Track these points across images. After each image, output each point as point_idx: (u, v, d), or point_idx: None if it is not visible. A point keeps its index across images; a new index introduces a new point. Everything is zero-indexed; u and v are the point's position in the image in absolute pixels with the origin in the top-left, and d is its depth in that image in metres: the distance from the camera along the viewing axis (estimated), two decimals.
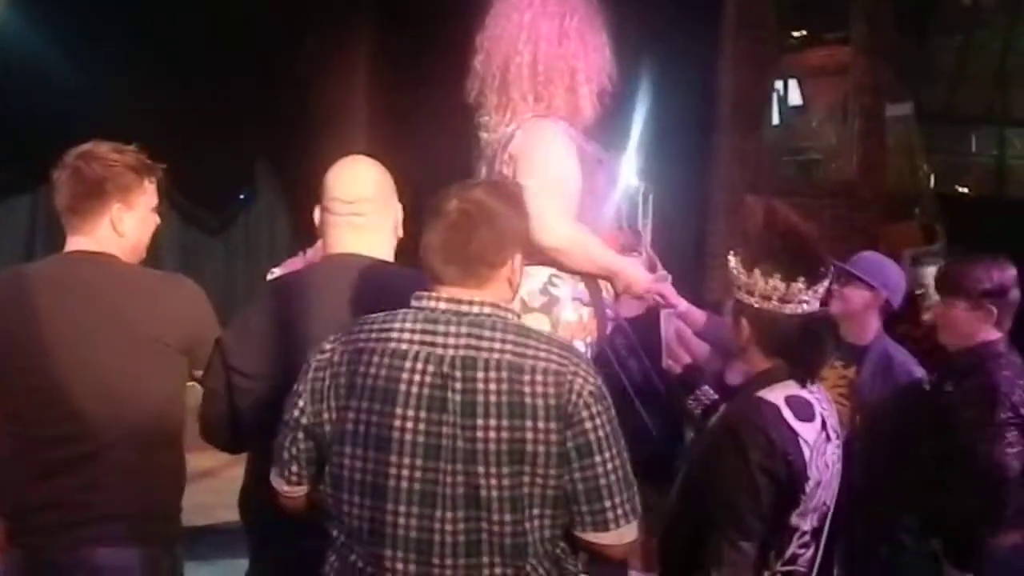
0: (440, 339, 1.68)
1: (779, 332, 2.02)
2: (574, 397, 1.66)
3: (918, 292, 4.90)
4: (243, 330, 2.17)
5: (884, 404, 3.02)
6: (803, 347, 2.03)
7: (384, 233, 2.20)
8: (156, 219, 2.32)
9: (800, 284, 1.99)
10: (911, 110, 8.18)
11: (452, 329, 1.69)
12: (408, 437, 1.66)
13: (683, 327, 2.95)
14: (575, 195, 2.37)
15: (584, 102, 2.45)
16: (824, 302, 2.06)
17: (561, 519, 1.70)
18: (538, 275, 2.38)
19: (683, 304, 2.67)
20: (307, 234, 2.34)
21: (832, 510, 2.08)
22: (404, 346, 1.69)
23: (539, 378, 1.65)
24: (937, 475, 2.79)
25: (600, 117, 2.52)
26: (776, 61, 7.88)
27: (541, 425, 1.64)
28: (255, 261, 7.25)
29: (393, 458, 1.67)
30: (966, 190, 9.50)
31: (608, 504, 1.68)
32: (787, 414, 1.98)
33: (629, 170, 5.72)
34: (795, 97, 9.25)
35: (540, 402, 1.65)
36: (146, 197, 2.27)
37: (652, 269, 2.80)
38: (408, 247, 1.96)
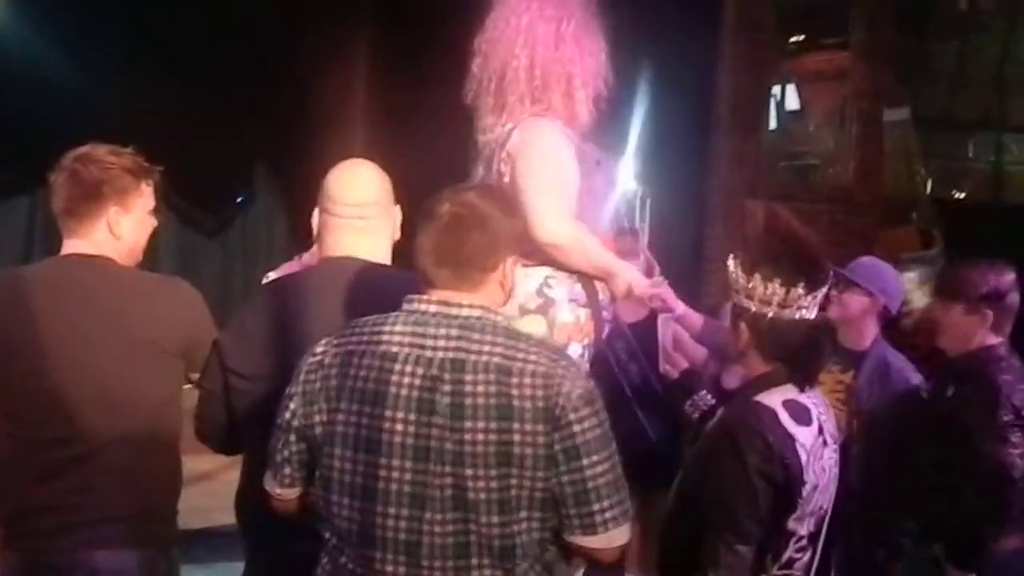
0: (430, 341, 1.69)
1: (778, 337, 2.02)
2: (562, 400, 1.66)
3: None
4: (240, 332, 2.17)
5: (881, 410, 3.03)
6: (801, 352, 2.03)
7: (384, 236, 2.20)
8: (153, 222, 2.32)
9: (800, 290, 1.99)
10: (909, 115, 8.19)
11: (442, 332, 1.69)
12: (398, 439, 1.67)
13: (680, 331, 2.96)
14: (574, 194, 2.37)
15: (580, 107, 2.46)
16: (822, 307, 2.06)
17: (550, 522, 1.70)
18: (534, 276, 2.38)
19: (681, 307, 2.68)
20: (305, 236, 2.34)
21: (829, 515, 2.08)
22: (394, 348, 1.70)
23: (527, 380, 1.66)
24: (936, 480, 2.78)
25: (598, 120, 2.52)
26: (774, 65, 7.90)
27: (528, 427, 1.64)
28: (253, 263, 7.25)
29: (383, 460, 1.67)
30: (963, 195, 9.51)
31: (596, 507, 1.68)
32: (784, 418, 1.98)
33: (627, 173, 5.73)
34: (793, 101, 9.28)
35: (528, 404, 1.65)
36: (143, 200, 2.26)
37: (649, 272, 2.81)
38: (406, 249, 1.96)
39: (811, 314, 2.02)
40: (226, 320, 2.24)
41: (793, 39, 8.52)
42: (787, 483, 1.95)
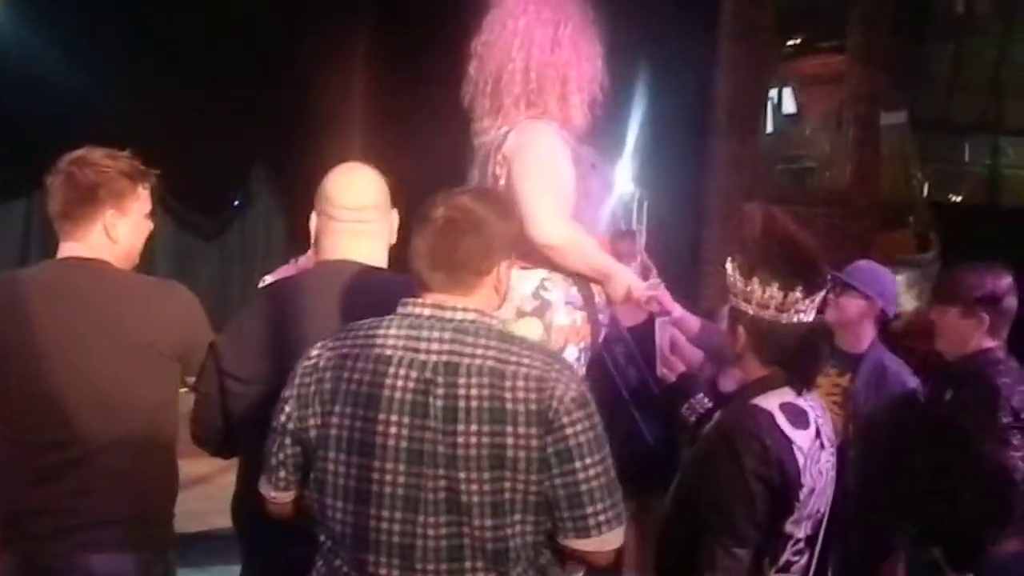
0: (424, 345, 1.69)
1: (775, 340, 2.03)
2: (555, 403, 1.66)
3: None
4: (237, 335, 2.17)
5: (878, 413, 3.03)
6: (799, 356, 2.03)
7: (382, 240, 2.21)
8: (149, 225, 2.32)
9: (798, 294, 1.99)
10: (905, 119, 8.21)
11: (436, 335, 1.70)
12: (391, 442, 1.67)
13: (677, 334, 2.96)
14: (570, 195, 2.37)
15: (575, 111, 2.46)
16: (820, 310, 2.06)
17: (544, 525, 1.70)
18: (530, 279, 2.38)
19: (677, 310, 2.67)
20: (302, 240, 2.34)
21: (826, 518, 2.08)
22: (388, 352, 1.70)
23: (520, 383, 1.66)
24: (935, 484, 2.78)
25: (595, 122, 2.52)
26: (772, 68, 7.91)
27: (521, 430, 1.64)
28: (250, 267, 7.24)
29: (376, 463, 1.67)
30: (960, 199, 9.53)
31: (590, 510, 1.68)
32: (781, 421, 1.98)
33: (624, 175, 5.74)
34: (790, 105, 9.29)
35: (521, 407, 1.65)
36: (139, 203, 2.26)
37: (646, 275, 2.81)
38: (403, 253, 1.96)
39: (809, 318, 2.02)
40: (223, 323, 2.24)
41: (790, 42, 8.54)
42: (784, 486, 1.95)
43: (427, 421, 1.66)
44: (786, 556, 2.00)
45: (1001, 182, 9.39)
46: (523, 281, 2.35)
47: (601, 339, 2.55)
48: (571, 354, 2.37)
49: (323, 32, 6.39)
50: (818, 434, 2.03)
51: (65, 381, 2.12)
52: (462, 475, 1.64)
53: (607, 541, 1.71)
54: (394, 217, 2.23)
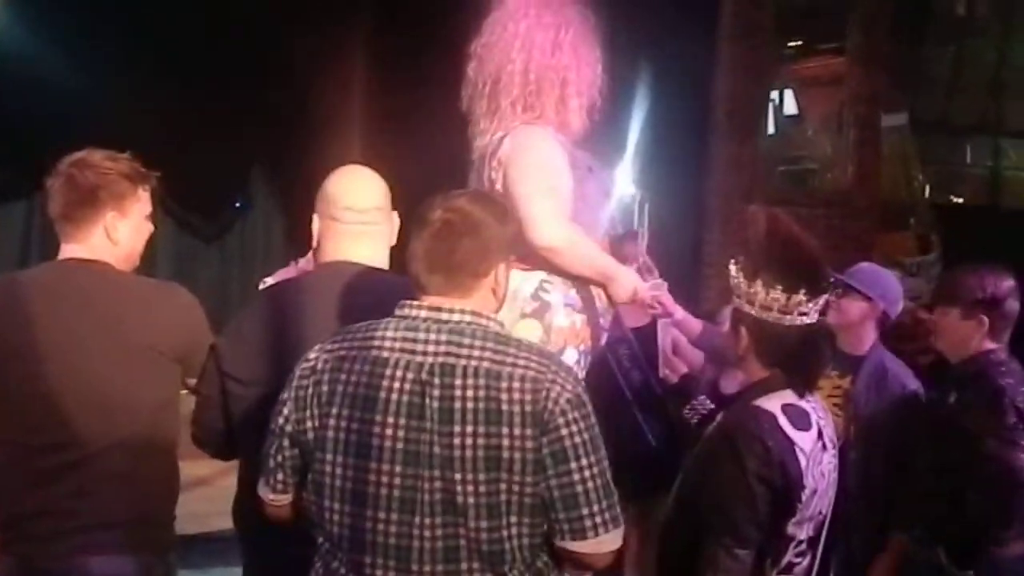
0: (420, 347, 1.69)
1: (778, 342, 2.02)
2: (550, 404, 1.66)
3: None
4: (238, 337, 2.17)
5: (879, 414, 3.02)
6: (801, 357, 2.03)
7: (384, 241, 2.21)
8: (150, 227, 2.32)
9: (801, 296, 1.99)
10: (906, 120, 8.21)
11: (432, 337, 1.70)
12: (388, 444, 1.67)
13: (679, 336, 2.96)
14: (568, 198, 2.37)
15: (573, 115, 2.45)
16: (822, 312, 2.06)
17: (540, 527, 1.70)
18: (530, 280, 2.37)
19: (680, 312, 2.67)
20: (302, 241, 2.34)
21: (828, 519, 2.07)
22: (385, 354, 1.70)
23: (516, 385, 1.66)
24: (938, 485, 2.78)
25: (596, 124, 2.51)
26: (772, 70, 7.91)
27: (517, 432, 1.64)
28: (250, 269, 7.24)
29: (373, 465, 1.68)
30: (961, 200, 9.53)
31: (585, 512, 1.68)
32: (784, 423, 1.98)
33: (625, 177, 5.73)
34: (791, 106, 9.30)
35: (516, 408, 1.65)
36: (140, 205, 2.26)
37: (648, 277, 2.80)
38: (403, 255, 1.96)
39: (812, 320, 2.02)
40: (223, 325, 2.24)
41: (791, 44, 8.54)
42: (786, 487, 1.95)
43: (423, 423, 1.66)
44: (788, 557, 1.99)
45: (1002, 183, 9.40)
46: (523, 282, 2.35)
47: (604, 341, 2.55)
48: (571, 356, 2.37)
49: (323, 32, 6.39)
50: (820, 435, 2.03)
51: (65, 383, 2.11)
52: (458, 476, 1.64)
53: (603, 543, 1.71)
54: (395, 219, 2.23)
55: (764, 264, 2.02)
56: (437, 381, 1.66)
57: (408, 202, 2.19)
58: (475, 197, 1.86)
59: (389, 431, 1.67)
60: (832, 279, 2.14)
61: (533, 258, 2.32)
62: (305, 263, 2.45)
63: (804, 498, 1.97)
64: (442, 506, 1.65)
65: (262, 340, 2.12)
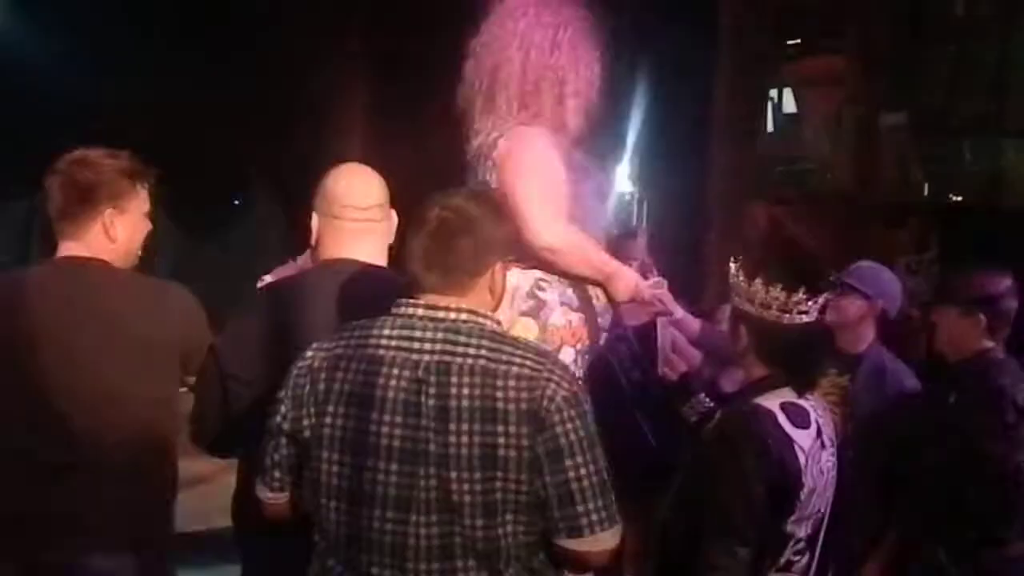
0: (416, 345, 1.70)
1: (777, 341, 2.03)
2: (546, 402, 1.66)
3: None
4: (237, 335, 2.17)
5: (876, 413, 3.03)
6: (800, 356, 2.04)
7: (384, 239, 2.22)
8: (148, 224, 2.32)
9: (801, 294, 1.99)
10: (905, 119, 8.21)
11: (428, 335, 1.70)
12: (384, 442, 1.68)
13: (677, 334, 2.96)
14: (565, 199, 2.37)
15: (570, 115, 2.45)
16: (821, 311, 2.06)
17: (536, 526, 1.70)
18: (525, 279, 2.37)
19: (680, 311, 2.67)
20: (301, 240, 2.34)
21: (827, 517, 2.08)
22: (382, 352, 1.71)
23: (512, 383, 1.66)
24: (940, 485, 2.78)
25: (591, 127, 2.51)
26: (771, 70, 7.91)
27: (512, 430, 1.65)
28: (249, 267, 7.23)
29: (370, 463, 1.68)
30: (960, 199, 9.52)
31: (581, 509, 1.68)
32: (783, 421, 1.99)
33: (625, 177, 5.74)
34: (790, 106, 9.29)
35: (512, 407, 1.65)
36: (138, 202, 2.26)
37: (648, 276, 2.80)
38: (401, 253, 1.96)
39: (811, 319, 2.02)
40: (222, 324, 2.24)
41: (790, 43, 8.54)
42: (785, 486, 1.95)
43: (420, 421, 1.66)
44: (787, 555, 2.00)
45: (1001, 183, 9.39)
46: (519, 281, 2.34)
47: (604, 340, 2.54)
48: (567, 356, 2.36)
49: (323, 32, 6.40)
50: (819, 434, 2.03)
51: (65, 381, 2.11)
52: (453, 475, 1.65)
53: (600, 541, 1.71)
54: (393, 216, 2.23)
55: (764, 263, 2.03)
56: (433, 379, 1.67)
57: (409, 203, 2.20)
58: (472, 196, 1.86)
59: (385, 429, 1.67)
60: (831, 278, 2.14)
61: (531, 259, 2.32)
62: (303, 261, 2.45)
63: (803, 496, 1.97)
64: (438, 504, 1.66)
65: (261, 339, 2.12)
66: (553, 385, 1.68)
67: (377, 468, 1.68)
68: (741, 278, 2.05)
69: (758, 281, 2.02)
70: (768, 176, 8.00)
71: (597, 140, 2.61)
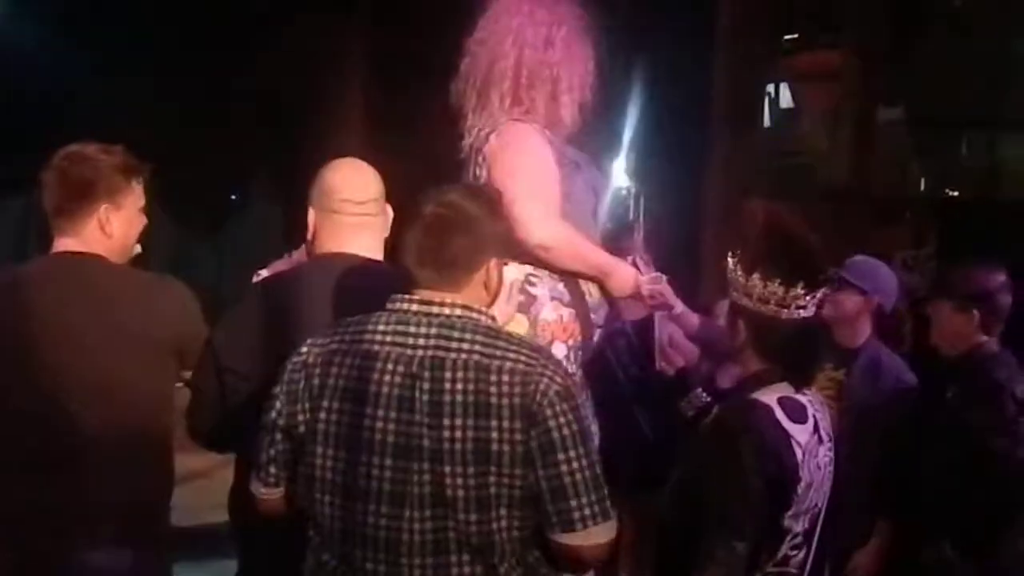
0: (411, 340, 1.70)
1: (775, 336, 2.03)
2: (539, 397, 1.66)
3: None
4: (233, 329, 2.17)
5: (872, 408, 3.03)
6: (798, 351, 2.04)
7: (381, 232, 2.22)
8: (144, 219, 2.32)
9: (799, 289, 1.99)
10: (902, 113, 8.21)
11: (423, 330, 1.71)
12: (379, 437, 1.68)
13: (675, 329, 2.96)
14: (557, 195, 2.36)
15: (564, 111, 2.45)
16: (819, 306, 2.06)
17: (530, 521, 1.70)
18: (515, 274, 2.36)
19: (679, 306, 2.67)
20: (298, 235, 2.34)
21: (824, 512, 2.08)
22: (376, 347, 1.71)
23: (505, 378, 1.66)
24: (942, 480, 2.78)
25: (590, 119, 2.51)
26: (769, 64, 7.91)
27: (506, 424, 1.65)
28: (245, 261, 7.22)
29: (364, 458, 1.69)
30: (957, 193, 9.53)
31: (574, 503, 1.68)
32: (780, 415, 1.98)
33: (621, 171, 5.73)
34: (787, 100, 9.29)
35: (505, 402, 1.65)
36: (134, 197, 2.26)
37: (644, 270, 2.80)
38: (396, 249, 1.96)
39: (809, 313, 2.02)
40: (219, 318, 2.23)
41: (787, 37, 8.53)
42: (782, 480, 1.95)
43: (413, 416, 1.67)
44: (784, 550, 1.99)
45: (998, 177, 9.40)
46: (508, 276, 2.34)
47: (600, 334, 2.54)
48: (559, 351, 2.35)
49: (323, 32, 6.39)
50: (816, 428, 2.03)
51: (61, 375, 2.11)
52: (447, 469, 1.65)
53: (593, 535, 1.70)
54: (389, 211, 2.23)
55: (762, 258, 2.02)
56: (427, 374, 1.67)
57: (406, 200, 2.20)
58: (468, 192, 1.87)
59: (380, 424, 1.68)
60: (829, 273, 2.14)
61: (525, 257, 2.31)
62: (299, 255, 2.45)
63: (800, 491, 1.97)
64: (432, 499, 1.66)
65: (258, 333, 2.12)
66: (546, 380, 1.68)
67: (371, 463, 1.68)
68: (739, 273, 2.05)
69: (756, 276, 2.01)
70: (766, 170, 7.99)
71: (593, 135, 2.60)
